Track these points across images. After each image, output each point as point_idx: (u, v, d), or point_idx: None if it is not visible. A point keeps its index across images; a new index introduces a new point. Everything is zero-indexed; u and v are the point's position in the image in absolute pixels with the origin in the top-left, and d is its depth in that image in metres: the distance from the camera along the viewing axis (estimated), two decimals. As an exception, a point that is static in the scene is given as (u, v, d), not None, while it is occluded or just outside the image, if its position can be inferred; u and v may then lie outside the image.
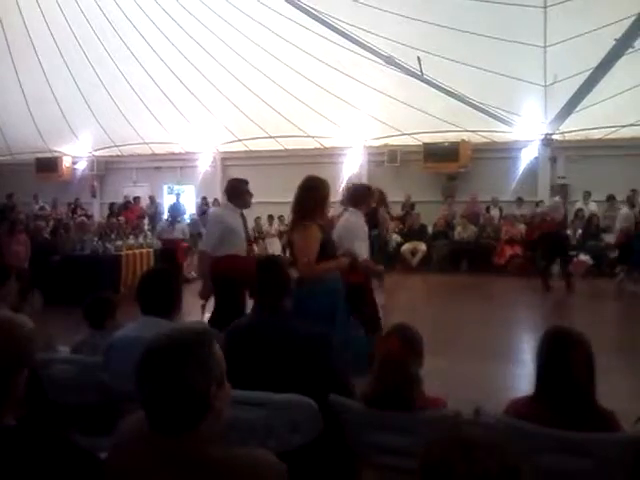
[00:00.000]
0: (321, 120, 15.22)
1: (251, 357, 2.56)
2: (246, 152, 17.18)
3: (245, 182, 5.65)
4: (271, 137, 16.35)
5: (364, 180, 15.97)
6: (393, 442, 2.29)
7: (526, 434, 2.23)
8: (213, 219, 5.65)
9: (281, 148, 16.66)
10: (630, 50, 11.18)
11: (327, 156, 16.14)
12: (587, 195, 13.30)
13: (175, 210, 12.80)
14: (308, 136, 15.98)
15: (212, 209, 5.82)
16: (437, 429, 2.18)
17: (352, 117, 15.00)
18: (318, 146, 16.35)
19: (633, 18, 10.45)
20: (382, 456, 2.35)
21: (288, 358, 2.56)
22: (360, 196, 5.43)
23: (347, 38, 12.65)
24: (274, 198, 15.86)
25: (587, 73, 11.95)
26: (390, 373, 2.38)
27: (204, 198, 17.38)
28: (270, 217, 15.92)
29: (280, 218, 15.57)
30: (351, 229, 5.08)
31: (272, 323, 2.70)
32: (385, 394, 2.38)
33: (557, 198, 11.73)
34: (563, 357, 2.27)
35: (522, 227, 12.71)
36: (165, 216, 16.41)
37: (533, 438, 2.23)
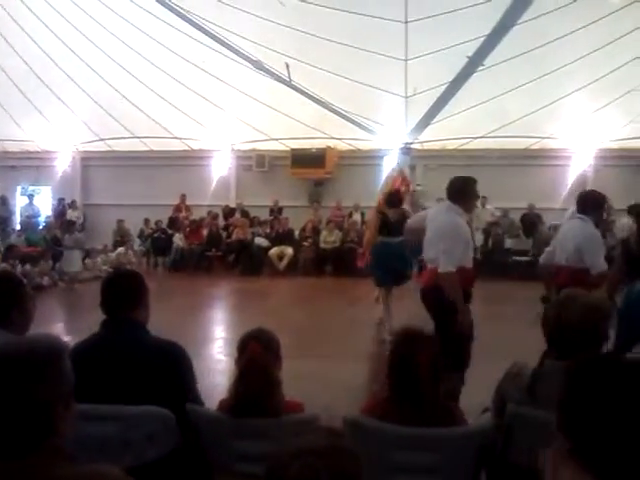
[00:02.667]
0: (189, 122, 14.94)
1: (103, 372, 2.46)
2: (108, 152, 16.44)
3: (473, 181, 4.80)
4: (136, 137, 15.78)
5: (232, 183, 15.94)
6: (254, 450, 2.28)
7: (379, 433, 2.32)
8: (456, 230, 4.51)
9: (146, 149, 16.13)
10: (481, 67, 12.03)
11: (194, 159, 15.88)
12: (440, 201, 14.09)
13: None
14: (175, 137, 15.61)
15: (450, 219, 4.48)
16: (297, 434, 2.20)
17: (220, 120, 14.87)
18: (185, 148, 16.02)
19: (483, 38, 11.26)
20: (243, 464, 2.33)
21: (141, 371, 2.48)
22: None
23: (217, 40, 12.53)
24: (138, 201, 15.37)
25: (444, 87, 12.70)
26: (254, 379, 2.37)
27: (61, 200, 16.44)
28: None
29: (146, 221, 15.10)
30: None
31: (122, 337, 2.60)
32: (248, 400, 2.36)
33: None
34: (409, 356, 2.37)
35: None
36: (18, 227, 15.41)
37: (386, 437, 2.33)
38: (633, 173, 13.93)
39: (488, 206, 14.04)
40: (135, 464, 2.16)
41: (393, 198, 8.35)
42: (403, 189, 8.37)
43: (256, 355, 2.41)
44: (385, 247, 7.77)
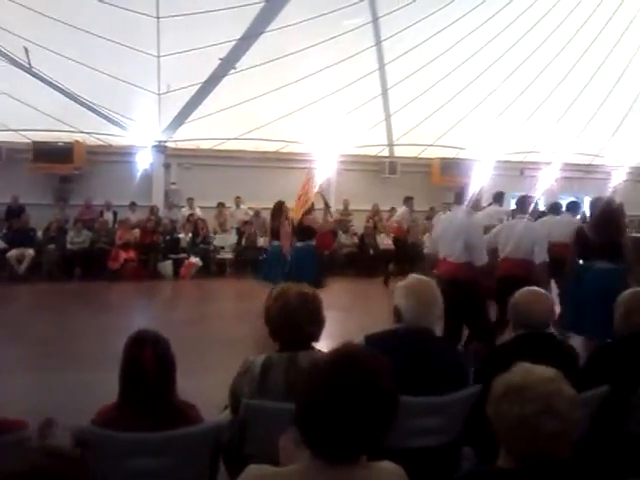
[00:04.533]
0: None
1: None
2: None
3: None
4: None
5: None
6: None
7: (108, 442, 2.27)
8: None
9: None
10: (233, 70, 12.35)
11: None
12: (191, 201, 14.16)
13: None
14: None
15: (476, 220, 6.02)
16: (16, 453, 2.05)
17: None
18: None
19: (234, 42, 11.58)
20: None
21: None
22: None
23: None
24: None
25: (197, 86, 12.76)
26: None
27: None
28: None
29: None
30: None
31: None
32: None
33: (404, 207, 12.63)
34: (134, 360, 2.36)
35: (136, 231, 12.83)
36: None
37: (117, 445, 2.28)
38: (370, 177, 15.45)
39: (242, 206, 14.44)
40: None
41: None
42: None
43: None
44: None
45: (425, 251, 6.05)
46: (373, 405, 1.42)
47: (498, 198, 10.47)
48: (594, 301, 5.05)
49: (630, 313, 3.05)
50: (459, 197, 5.89)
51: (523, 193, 6.93)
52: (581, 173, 16.67)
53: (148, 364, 2.32)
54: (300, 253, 7.78)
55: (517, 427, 1.61)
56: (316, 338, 2.70)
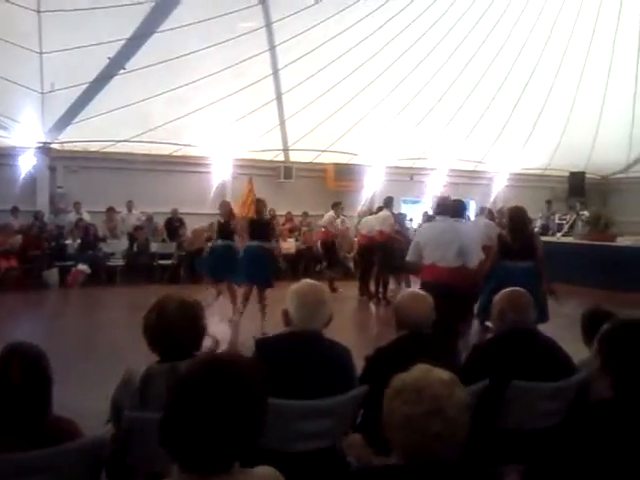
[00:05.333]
0: None
1: None
2: None
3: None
4: None
5: None
6: None
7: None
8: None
9: None
10: (122, 70, 11.97)
11: None
12: (78, 205, 13.56)
13: None
14: None
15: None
16: None
17: None
18: None
19: (123, 42, 11.22)
20: None
21: None
22: None
23: None
24: None
25: (84, 86, 12.26)
26: None
27: None
28: None
29: None
30: None
31: None
32: None
33: (331, 212, 12.58)
34: (2, 375, 2.20)
35: (19, 238, 12.12)
36: None
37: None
38: (266, 182, 15.46)
39: (134, 211, 14.02)
40: None
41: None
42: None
43: None
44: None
45: (407, 259, 6.30)
46: (238, 412, 1.39)
47: (388, 203, 10.85)
48: None
49: (504, 312, 3.23)
50: (441, 206, 6.30)
51: (460, 198, 7.40)
52: (466, 179, 17.53)
53: (14, 379, 2.18)
54: (256, 253, 8.11)
55: (405, 425, 1.64)
56: (197, 347, 2.64)
